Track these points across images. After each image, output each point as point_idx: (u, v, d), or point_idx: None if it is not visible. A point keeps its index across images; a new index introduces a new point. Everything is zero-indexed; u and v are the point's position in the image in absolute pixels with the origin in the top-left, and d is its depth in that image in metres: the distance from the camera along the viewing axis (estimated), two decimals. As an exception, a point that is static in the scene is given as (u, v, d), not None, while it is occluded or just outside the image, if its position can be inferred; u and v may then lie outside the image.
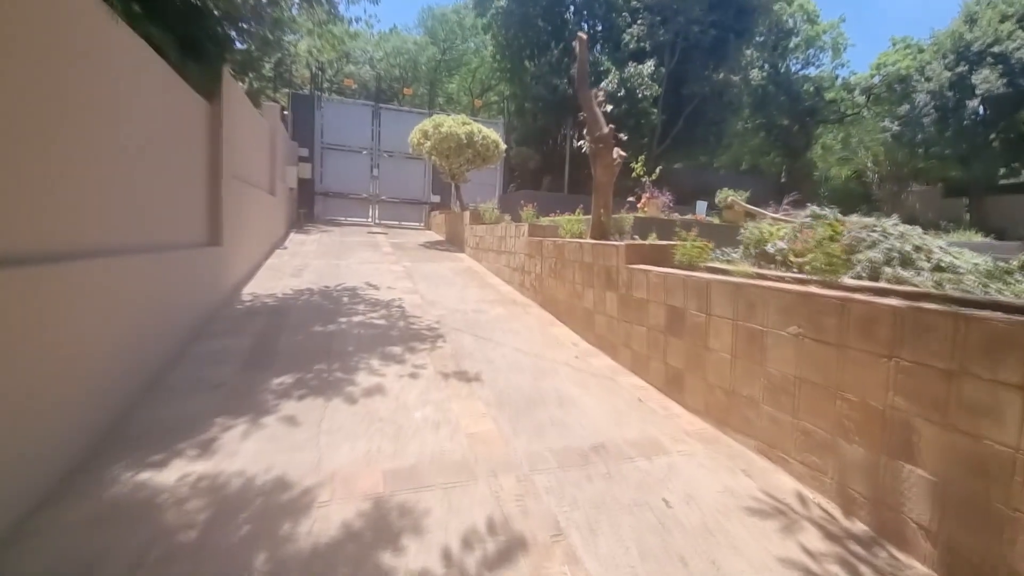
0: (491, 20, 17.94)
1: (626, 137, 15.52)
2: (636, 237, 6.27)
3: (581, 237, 6.32)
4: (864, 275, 2.89)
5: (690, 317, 3.43)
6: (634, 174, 9.25)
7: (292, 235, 11.66)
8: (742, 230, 4.13)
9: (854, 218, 3.67)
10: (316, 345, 4.37)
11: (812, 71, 28.93)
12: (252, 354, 4.08)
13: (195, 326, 4.46)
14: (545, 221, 7.78)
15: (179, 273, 4.16)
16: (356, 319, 5.26)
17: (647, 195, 9.35)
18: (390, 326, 5.10)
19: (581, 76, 5.78)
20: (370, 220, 16.58)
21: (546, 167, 17.80)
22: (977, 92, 22.33)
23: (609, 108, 5.92)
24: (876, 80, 28.08)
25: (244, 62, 9.27)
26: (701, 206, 23.27)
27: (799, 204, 7.24)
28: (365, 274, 7.88)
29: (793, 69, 27.86)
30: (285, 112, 15.14)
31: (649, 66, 14.92)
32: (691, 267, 3.83)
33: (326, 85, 19.89)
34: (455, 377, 3.84)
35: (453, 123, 11.59)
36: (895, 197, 32.95)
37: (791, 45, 26.47)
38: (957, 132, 23.85)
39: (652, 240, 5.31)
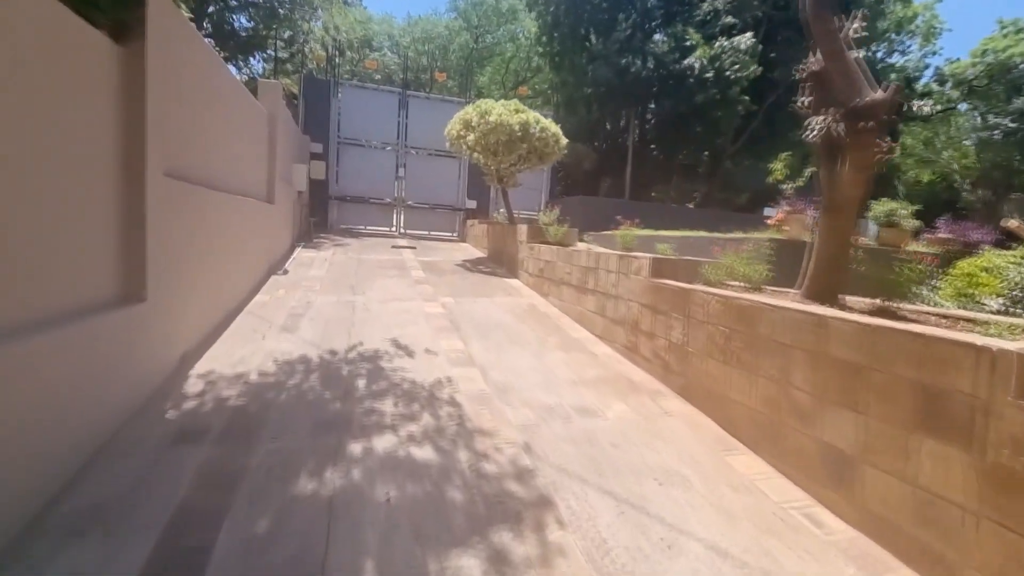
0: (538, -5, 15.64)
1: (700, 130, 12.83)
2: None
3: (760, 289, 3.86)
4: None
5: None
6: (773, 176, 6.73)
7: (298, 251, 9.46)
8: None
9: None
10: (294, 552, 2.02)
11: (898, 59, 25.76)
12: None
13: (50, 491, 2.15)
14: (667, 251, 5.31)
15: (32, 377, 1.87)
16: (379, 446, 2.90)
17: (787, 208, 6.79)
18: (443, 472, 2.71)
19: None
20: (394, 229, 14.38)
21: (604, 167, 15.33)
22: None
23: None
24: (974, 71, 24.72)
25: (249, 41, 7.26)
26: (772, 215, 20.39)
27: None
28: (391, 321, 5.54)
29: (879, 57, 24.74)
30: (295, 100, 13.08)
31: (747, 39, 12.31)
32: None
33: (346, 68, 17.85)
34: None
35: (504, 111, 9.25)
36: (989, 205, 29.38)
37: (880, 29, 23.35)
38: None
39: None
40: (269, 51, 13.94)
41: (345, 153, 13.75)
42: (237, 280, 5.57)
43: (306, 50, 15.16)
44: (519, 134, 9.20)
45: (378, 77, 14.56)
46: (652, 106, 13.84)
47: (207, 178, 4.50)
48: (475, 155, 9.77)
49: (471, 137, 9.33)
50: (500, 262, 9.94)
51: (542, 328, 5.81)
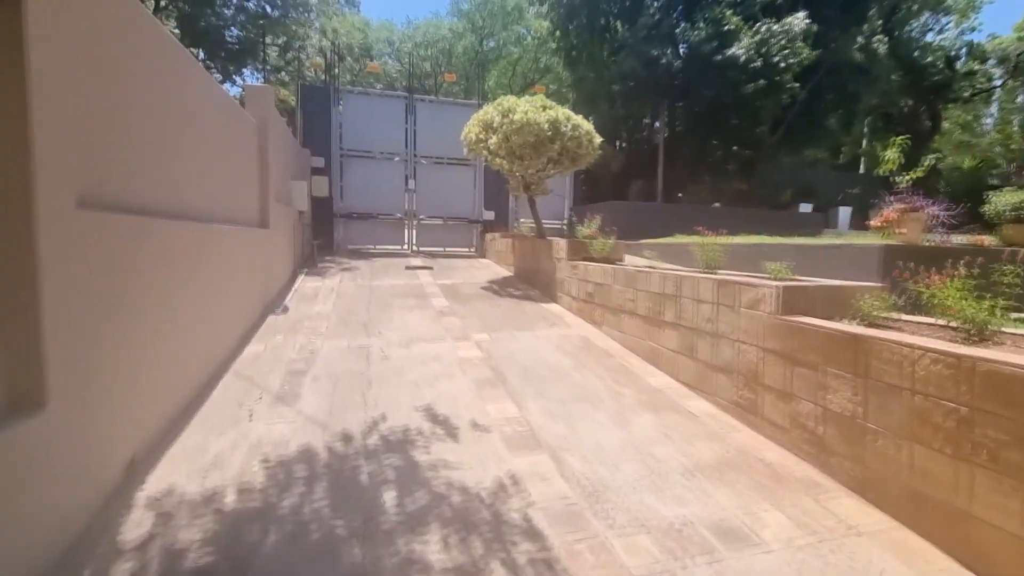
0: (550, -14, 14.60)
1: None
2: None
3: (992, 337, 2.62)
4: None
5: None
6: (884, 168, 5.53)
7: (301, 281, 8.36)
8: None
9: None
10: None
11: (931, 38, 24.30)
12: None
13: None
14: (783, 270, 4.06)
15: None
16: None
17: (900, 206, 5.54)
18: None
19: None
20: (406, 247, 13.28)
21: (631, 169, 14.13)
22: None
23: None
24: (1019, 45, 23.18)
25: (240, 51, 6.31)
26: (844, 215, 19.12)
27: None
28: (418, 375, 4.37)
29: (912, 36, 23.31)
30: (292, 113, 12.09)
31: (800, 20, 11.06)
32: None
33: (346, 78, 16.91)
34: None
35: (530, 108, 8.11)
36: (1039, 190, 27.60)
37: (914, 7, 21.97)
38: None
39: None
40: (265, 61, 13.08)
41: (349, 166, 12.74)
42: (220, 330, 4.45)
43: (302, 57, 14.30)
44: (549, 134, 8.05)
45: (380, 86, 13.55)
46: (682, 101, 12.66)
47: (168, 204, 3.39)
48: (497, 161, 8.63)
49: (493, 140, 8.19)
50: (531, 282, 8.76)
51: (608, 374, 4.60)
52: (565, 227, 14.74)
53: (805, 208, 20.91)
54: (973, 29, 24.36)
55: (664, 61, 11.23)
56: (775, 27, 11.04)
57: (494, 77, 30.44)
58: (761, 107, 13.11)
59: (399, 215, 13.18)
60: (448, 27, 24.94)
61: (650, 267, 5.62)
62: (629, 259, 7.68)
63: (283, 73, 15.09)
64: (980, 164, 29.01)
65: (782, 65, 10.84)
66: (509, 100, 8.40)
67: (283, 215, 8.00)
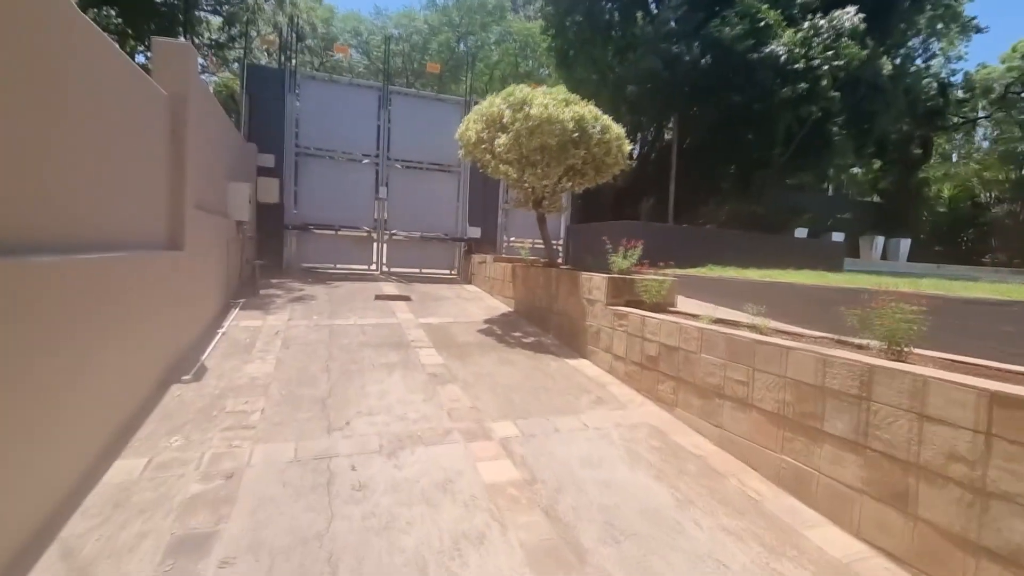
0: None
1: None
2: None
3: None
4: None
5: None
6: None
7: (232, 319, 6.25)
8: None
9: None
10: None
11: (919, 63, 24.44)
12: None
13: None
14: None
15: None
16: None
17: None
18: None
19: None
20: (374, 268, 11.22)
21: (639, 184, 12.63)
22: None
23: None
24: (1007, 77, 23.60)
25: (164, 13, 4.52)
26: (880, 244, 18.31)
27: None
28: (419, 541, 2.48)
29: (896, 64, 23.22)
30: (235, 98, 9.97)
31: (850, 16, 9.88)
32: None
33: (305, 59, 14.68)
34: None
35: (550, 100, 6.42)
36: (1020, 223, 28.31)
37: (940, 26, 21.56)
38: None
39: None
40: (193, 28, 10.85)
41: (307, 168, 10.66)
42: (60, 441, 2.43)
43: (252, 33, 12.08)
44: (574, 135, 6.36)
45: (349, 59, 11.53)
46: (701, 107, 11.33)
47: None
48: (501, 168, 6.86)
49: (501, 141, 6.41)
50: (542, 324, 6.98)
51: (739, 521, 2.84)
52: (560, 250, 13.11)
53: (800, 233, 20.16)
54: (960, 57, 24.79)
55: (688, 59, 9.85)
56: (821, 22, 9.86)
57: (469, 81, 28.84)
58: (779, 120, 11.95)
59: (367, 229, 11.14)
60: (424, 19, 23.15)
61: (752, 327, 3.95)
62: (681, 302, 6.03)
63: (228, 50, 12.80)
64: (958, 192, 29.66)
65: (824, 68, 9.64)
66: (522, 90, 6.68)
67: (210, 228, 5.92)
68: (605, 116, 6.87)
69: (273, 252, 10.11)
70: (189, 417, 3.56)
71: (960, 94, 24.93)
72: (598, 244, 11.56)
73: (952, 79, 24.48)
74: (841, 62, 9.70)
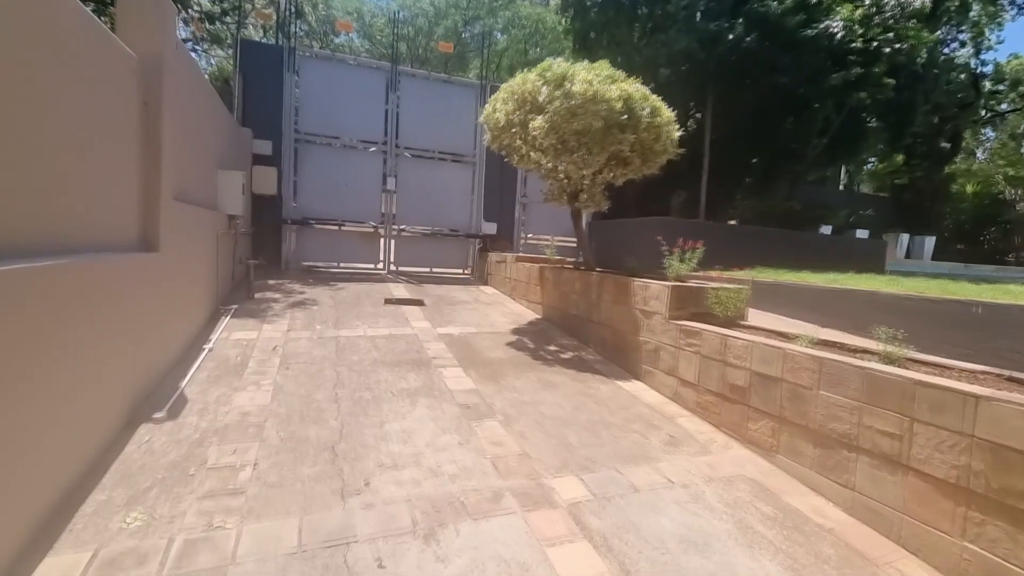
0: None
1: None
2: None
3: None
4: None
5: None
6: None
7: (222, 330, 5.39)
8: None
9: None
10: None
11: (946, 51, 23.45)
12: None
13: None
14: None
15: None
16: None
17: None
18: None
19: None
20: (381, 267, 10.35)
21: (671, 176, 11.73)
22: None
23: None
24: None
25: None
26: (905, 242, 17.55)
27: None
28: None
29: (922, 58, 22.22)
30: (228, 82, 9.07)
31: None
32: None
33: (304, 40, 13.67)
34: None
35: (594, 77, 5.53)
36: (1042, 220, 27.45)
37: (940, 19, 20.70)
38: None
39: None
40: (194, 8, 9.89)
41: (308, 156, 9.77)
42: None
43: (246, 7, 11.12)
44: (623, 118, 5.49)
45: (352, 61, 10.57)
46: (738, 91, 10.42)
47: None
48: (533, 156, 5.96)
49: (537, 123, 5.52)
50: (579, 335, 6.14)
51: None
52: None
53: (824, 231, 19.30)
54: (990, 48, 23.76)
55: (731, 38, 8.92)
56: None
57: (474, 68, 27.87)
58: (823, 107, 11.05)
59: (373, 224, 10.27)
60: (429, 1, 22.12)
61: (887, 356, 3.11)
62: (754, 316, 5.19)
63: (219, 23, 11.74)
64: (981, 189, 28.76)
65: (885, 51, 8.75)
66: (560, 64, 5.79)
67: (195, 224, 5.05)
68: (654, 96, 5.99)
69: (270, 249, 9.24)
70: (157, 476, 2.71)
71: (989, 86, 24.08)
72: (628, 242, 10.68)
73: (983, 70, 23.58)
74: (903, 45, 8.79)
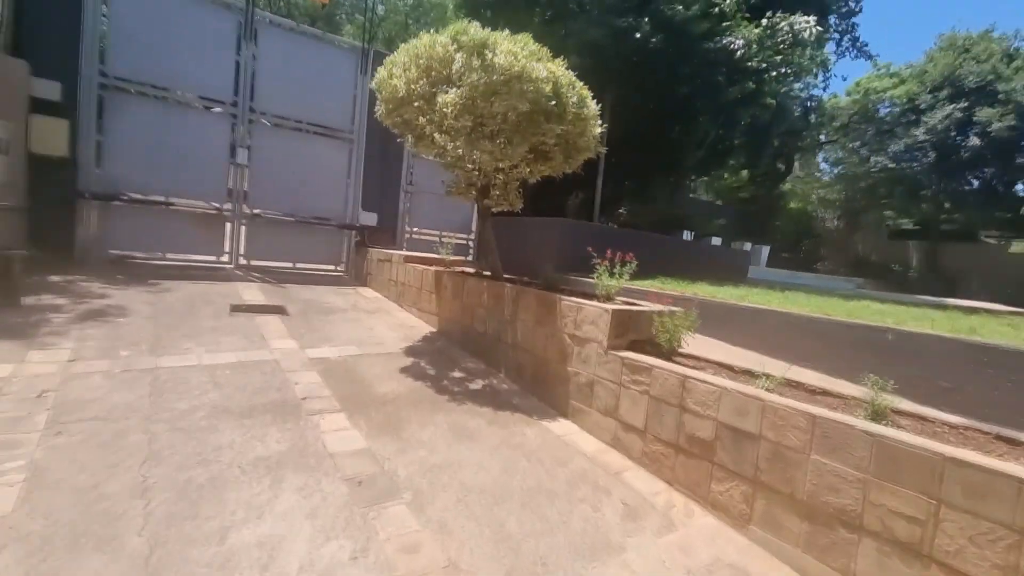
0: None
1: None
2: None
3: None
4: None
5: None
6: None
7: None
8: None
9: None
10: None
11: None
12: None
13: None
14: None
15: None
16: None
17: None
18: None
19: None
20: (228, 260, 8.30)
21: (571, 175, 11.38)
22: (976, 131, 21.94)
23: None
24: (850, 108, 27.27)
25: None
26: (763, 251, 19.14)
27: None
28: None
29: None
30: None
31: (811, 23, 9.29)
32: None
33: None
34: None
35: (522, 52, 4.63)
36: (844, 235, 33.42)
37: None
38: (945, 173, 23.54)
39: None
40: None
41: (120, 109, 7.37)
42: None
43: None
44: (551, 104, 4.69)
45: None
46: (640, 92, 10.36)
47: None
48: (439, 139, 4.88)
49: (449, 98, 4.46)
50: (486, 356, 5.25)
51: None
52: (471, 245, 11.35)
53: (686, 236, 20.97)
54: (814, 85, 28.14)
55: (639, 35, 8.68)
56: (783, 24, 9.39)
57: (346, 36, 25.29)
58: (714, 120, 11.56)
59: (216, 204, 8.19)
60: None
61: (874, 410, 2.72)
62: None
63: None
64: (800, 207, 34.20)
65: (772, 73, 9.28)
66: (478, 30, 4.78)
67: None
68: (581, 84, 5.29)
69: (57, 235, 6.79)
70: None
71: (813, 118, 28.56)
72: (521, 244, 10.00)
73: (810, 104, 27.87)
74: (788, 70, 9.47)
